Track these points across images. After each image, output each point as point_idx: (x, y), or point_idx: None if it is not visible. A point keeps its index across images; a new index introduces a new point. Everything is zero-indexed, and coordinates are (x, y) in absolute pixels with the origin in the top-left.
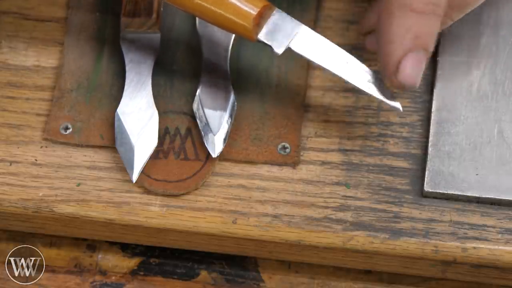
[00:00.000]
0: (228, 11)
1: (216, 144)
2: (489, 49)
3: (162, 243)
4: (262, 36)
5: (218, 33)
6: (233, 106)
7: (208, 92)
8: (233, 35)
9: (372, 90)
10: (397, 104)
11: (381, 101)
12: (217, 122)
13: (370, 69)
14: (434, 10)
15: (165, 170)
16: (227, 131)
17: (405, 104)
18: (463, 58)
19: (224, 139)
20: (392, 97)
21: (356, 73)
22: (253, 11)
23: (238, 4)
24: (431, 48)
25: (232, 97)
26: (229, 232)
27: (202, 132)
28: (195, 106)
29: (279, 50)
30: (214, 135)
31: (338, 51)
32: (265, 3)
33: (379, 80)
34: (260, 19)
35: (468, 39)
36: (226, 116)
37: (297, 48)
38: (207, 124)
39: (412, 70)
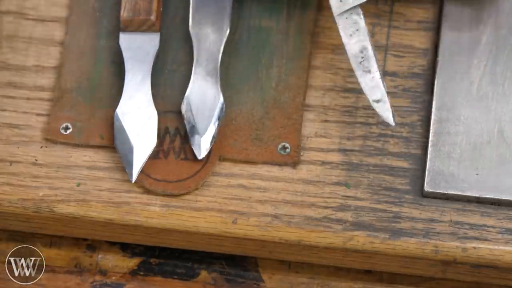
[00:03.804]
0: None
1: (202, 146)
2: (489, 49)
3: (162, 243)
4: None
5: (210, 35)
6: (221, 109)
7: (197, 94)
8: (226, 37)
9: (375, 106)
10: (389, 120)
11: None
12: (205, 124)
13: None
14: None
15: (165, 170)
16: (214, 134)
17: (405, 104)
18: (463, 58)
19: (211, 142)
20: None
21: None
22: None
23: None
24: None
25: (221, 99)
26: (229, 232)
27: (189, 134)
28: (183, 108)
29: None
30: (201, 137)
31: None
32: None
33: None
34: None
35: (468, 39)
36: (213, 119)
37: None
38: (194, 126)
39: None
